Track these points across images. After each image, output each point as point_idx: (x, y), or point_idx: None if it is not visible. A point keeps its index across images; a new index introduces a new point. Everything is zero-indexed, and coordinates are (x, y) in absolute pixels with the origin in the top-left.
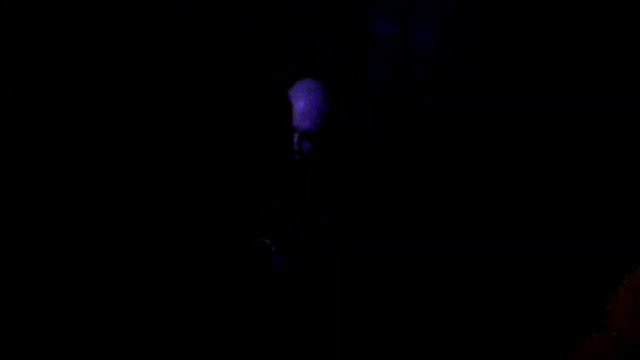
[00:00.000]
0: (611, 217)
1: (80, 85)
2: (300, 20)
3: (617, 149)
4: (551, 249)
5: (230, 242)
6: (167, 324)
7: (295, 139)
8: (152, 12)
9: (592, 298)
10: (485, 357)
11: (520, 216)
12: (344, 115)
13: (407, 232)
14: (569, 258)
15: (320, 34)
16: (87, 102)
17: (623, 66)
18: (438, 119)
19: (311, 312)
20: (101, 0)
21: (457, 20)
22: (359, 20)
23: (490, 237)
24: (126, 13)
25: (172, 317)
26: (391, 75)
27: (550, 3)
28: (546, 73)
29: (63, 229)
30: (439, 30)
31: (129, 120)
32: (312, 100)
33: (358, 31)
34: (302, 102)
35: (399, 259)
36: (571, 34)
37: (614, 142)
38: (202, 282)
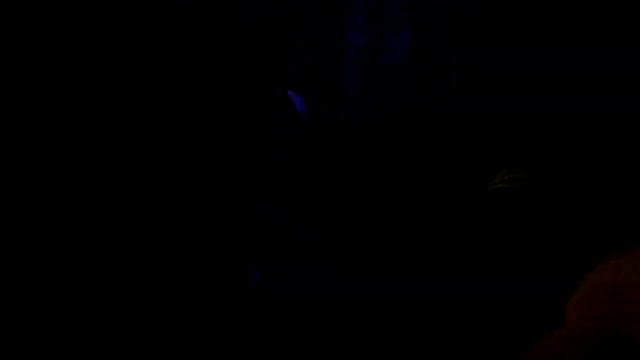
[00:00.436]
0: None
1: (80, 85)
2: (300, 20)
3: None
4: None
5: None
6: (167, 324)
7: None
8: (152, 12)
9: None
10: None
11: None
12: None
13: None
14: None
15: (320, 34)
16: (87, 102)
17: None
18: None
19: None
20: (101, 0)
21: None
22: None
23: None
24: (126, 13)
25: (171, 317)
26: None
27: (529, 15)
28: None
29: (63, 228)
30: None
31: (129, 120)
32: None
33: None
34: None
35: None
36: (549, 45)
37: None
38: (192, 284)
